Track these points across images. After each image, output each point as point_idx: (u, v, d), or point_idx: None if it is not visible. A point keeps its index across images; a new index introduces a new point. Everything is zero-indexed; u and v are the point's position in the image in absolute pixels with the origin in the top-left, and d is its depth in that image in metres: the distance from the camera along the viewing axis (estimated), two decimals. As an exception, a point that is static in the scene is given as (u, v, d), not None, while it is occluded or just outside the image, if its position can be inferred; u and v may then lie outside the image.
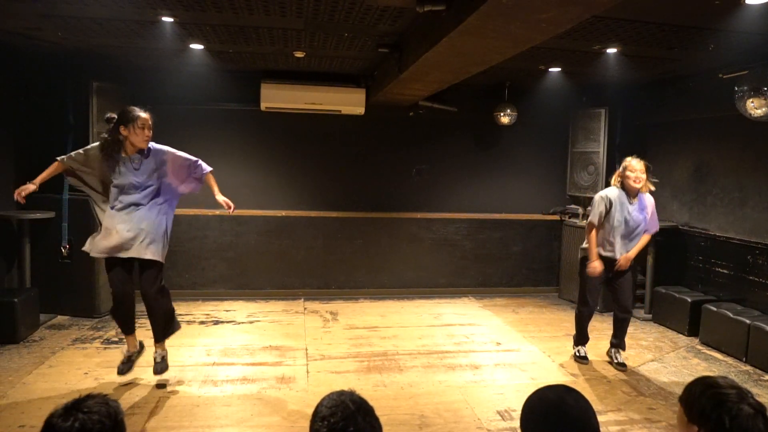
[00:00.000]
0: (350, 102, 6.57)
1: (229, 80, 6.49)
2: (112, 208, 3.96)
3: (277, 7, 3.98)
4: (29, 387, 4.10)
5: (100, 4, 3.96)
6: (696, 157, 6.21)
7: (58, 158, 4.03)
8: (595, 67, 5.50)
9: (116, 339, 5.18)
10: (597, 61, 5.26)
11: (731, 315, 5.15)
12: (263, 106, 6.44)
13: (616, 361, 4.83)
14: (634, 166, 4.59)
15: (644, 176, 4.60)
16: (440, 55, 3.89)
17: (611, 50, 4.92)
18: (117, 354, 4.81)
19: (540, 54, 5.09)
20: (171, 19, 4.35)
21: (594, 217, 4.68)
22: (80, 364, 4.58)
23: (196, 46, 5.26)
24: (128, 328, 4.19)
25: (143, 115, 3.92)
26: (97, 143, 4.02)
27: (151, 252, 3.94)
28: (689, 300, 5.72)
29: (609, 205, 4.66)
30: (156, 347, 4.21)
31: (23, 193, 3.86)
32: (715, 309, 5.35)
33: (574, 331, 5.07)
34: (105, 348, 4.96)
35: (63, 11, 4.17)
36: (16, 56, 5.52)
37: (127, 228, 3.89)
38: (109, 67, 5.96)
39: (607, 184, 6.45)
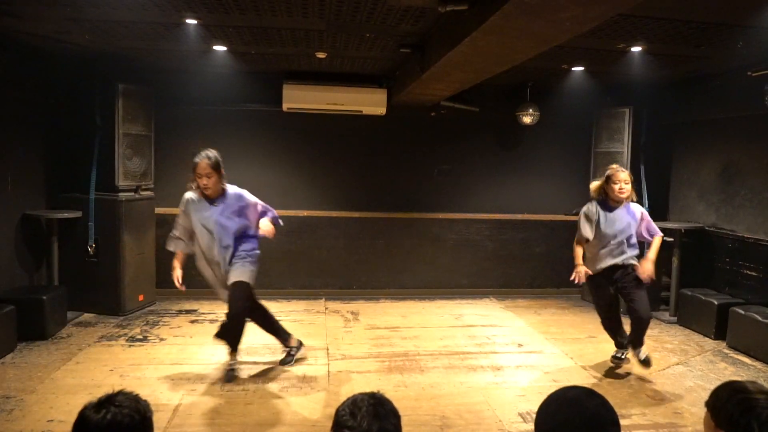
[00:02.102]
0: (372, 102, 6.58)
1: (251, 81, 6.55)
2: None
3: (299, 8, 4.00)
4: (57, 383, 4.19)
5: (126, 8, 4.02)
6: (723, 157, 6.08)
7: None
8: (619, 66, 5.42)
9: (140, 337, 5.27)
10: (621, 59, 5.18)
11: (760, 318, 5.04)
12: (285, 106, 6.48)
13: (638, 359, 4.56)
14: (620, 177, 4.44)
15: (629, 187, 4.45)
16: (462, 55, 3.87)
17: (636, 49, 4.84)
18: (141, 351, 4.90)
19: (563, 53, 5.03)
20: (195, 21, 4.40)
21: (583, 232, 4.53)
22: (106, 360, 4.66)
23: (219, 48, 5.32)
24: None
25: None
26: None
27: None
28: (716, 303, 5.60)
29: (597, 219, 4.50)
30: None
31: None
32: (743, 312, 5.23)
33: (596, 334, 4.99)
34: (130, 345, 5.04)
35: (90, 15, 4.25)
36: (46, 59, 5.65)
37: None
38: (134, 70, 6.06)
39: (632, 185, 6.42)
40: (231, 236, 4.22)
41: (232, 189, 4.31)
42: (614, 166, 4.62)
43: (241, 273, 4.20)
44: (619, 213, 4.51)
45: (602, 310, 4.69)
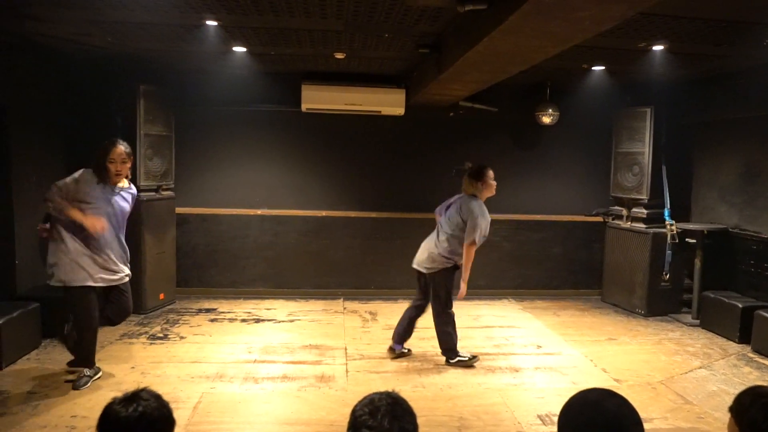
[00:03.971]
0: (390, 102, 6.58)
1: (270, 82, 6.59)
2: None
3: (317, 9, 4.02)
4: (79, 380, 4.26)
5: (146, 10, 4.07)
6: (746, 157, 5.98)
7: None
8: (639, 65, 5.36)
9: (161, 335, 5.33)
10: (641, 59, 5.12)
11: (785, 321, 4.95)
12: (304, 107, 6.51)
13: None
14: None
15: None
16: (480, 55, 3.85)
17: (657, 48, 4.78)
18: (161, 349, 4.97)
19: (582, 52, 4.99)
20: (214, 23, 4.44)
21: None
22: (127, 358, 4.73)
23: (238, 49, 5.36)
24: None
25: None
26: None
27: None
28: (740, 306, 5.50)
29: None
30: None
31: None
32: (768, 315, 5.14)
33: (616, 336, 4.95)
34: (151, 343, 5.11)
35: (110, 17, 4.31)
36: (67, 61, 5.74)
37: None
38: (154, 71, 6.14)
39: (652, 185, 6.35)
40: (118, 230, 4.24)
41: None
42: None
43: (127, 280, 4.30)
44: None
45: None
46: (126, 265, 4.27)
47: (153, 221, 6.04)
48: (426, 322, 6.02)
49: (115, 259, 4.15)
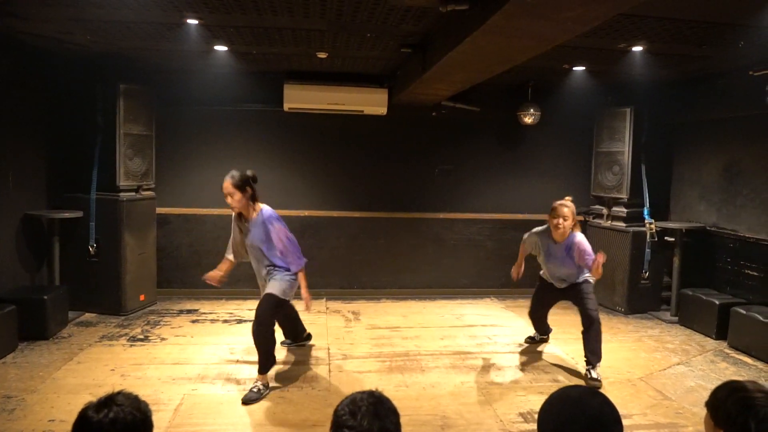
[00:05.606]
0: (372, 102, 6.58)
1: (252, 81, 6.55)
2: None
3: (300, 8, 4.00)
4: (58, 382, 4.19)
5: (128, 8, 4.02)
6: (725, 157, 6.08)
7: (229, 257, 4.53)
8: (620, 66, 5.42)
9: (141, 337, 5.27)
10: (623, 59, 5.18)
11: (761, 318, 5.03)
12: (286, 106, 6.48)
13: (589, 377, 4.49)
14: (558, 212, 4.52)
15: (568, 222, 4.50)
16: (464, 55, 3.87)
17: (637, 48, 4.84)
18: (142, 351, 4.91)
19: (564, 53, 5.03)
20: (196, 21, 4.40)
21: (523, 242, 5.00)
22: (107, 360, 4.67)
23: (221, 48, 5.32)
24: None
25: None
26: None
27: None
28: (717, 303, 5.60)
29: (537, 245, 4.81)
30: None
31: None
32: (744, 312, 5.23)
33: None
34: (131, 345, 5.05)
35: (92, 15, 4.25)
36: (48, 60, 5.64)
37: None
38: (135, 70, 6.06)
39: (632, 185, 6.43)
40: (265, 256, 4.26)
41: (266, 210, 4.28)
42: (563, 200, 4.64)
43: (271, 286, 4.23)
44: (559, 253, 4.62)
45: (533, 303, 5.16)
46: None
47: (133, 222, 5.97)
48: (411, 321, 6.05)
49: (261, 284, 4.43)
